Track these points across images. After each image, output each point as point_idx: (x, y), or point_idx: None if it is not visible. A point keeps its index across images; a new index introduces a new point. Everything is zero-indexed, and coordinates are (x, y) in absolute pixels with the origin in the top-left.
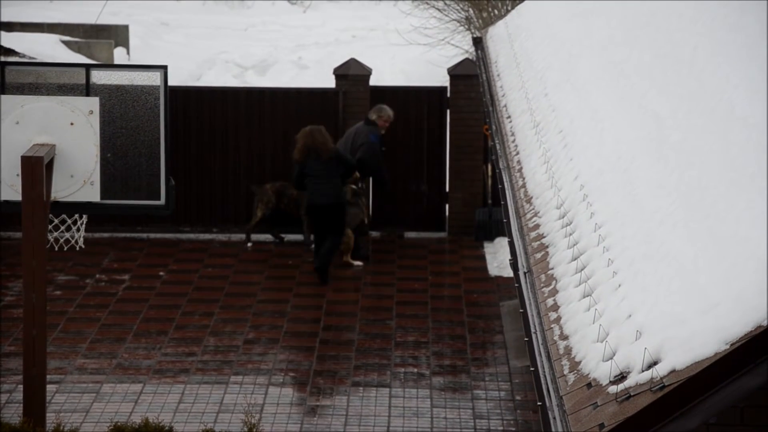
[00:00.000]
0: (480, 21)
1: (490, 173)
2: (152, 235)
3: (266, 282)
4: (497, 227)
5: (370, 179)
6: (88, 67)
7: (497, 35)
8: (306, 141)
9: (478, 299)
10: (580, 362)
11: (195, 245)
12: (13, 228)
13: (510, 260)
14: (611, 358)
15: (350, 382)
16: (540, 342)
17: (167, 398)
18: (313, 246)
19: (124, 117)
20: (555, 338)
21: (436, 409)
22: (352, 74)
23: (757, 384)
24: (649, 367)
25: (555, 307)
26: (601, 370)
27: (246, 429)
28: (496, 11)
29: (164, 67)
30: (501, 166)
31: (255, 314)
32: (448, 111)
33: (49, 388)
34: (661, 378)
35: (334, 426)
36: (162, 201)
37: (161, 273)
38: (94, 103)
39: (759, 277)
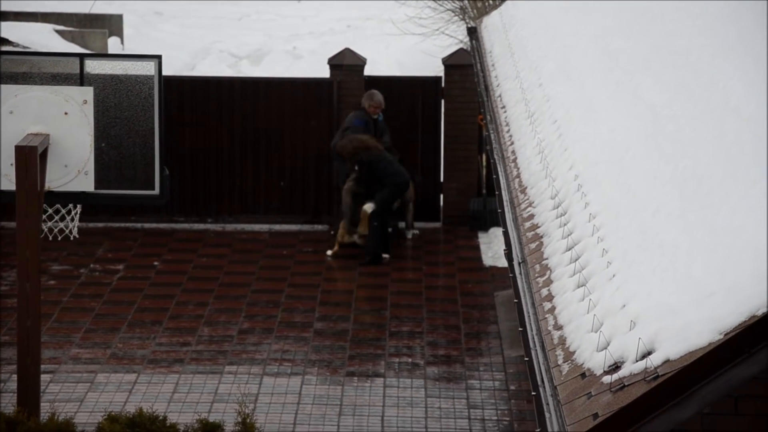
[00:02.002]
0: (475, 11)
1: (484, 163)
2: (146, 225)
3: (260, 272)
4: (492, 217)
5: None
6: (82, 57)
7: (492, 25)
8: (359, 145)
9: (473, 289)
10: (574, 352)
11: (189, 235)
12: (7, 218)
13: (504, 250)
14: (605, 348)
15: (344, 372)
16: (534, 332)
17: (161, 388)
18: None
19: (119, 107)
20: (549, 328)
21: (431, 398)
22: (346, 64)
23: (752, 374)
24: (644, 357)
25: (549, 297)
26: (595, 360)
27: (240, 419)
28: (490, 1)
29: (158, 57)
30: (495, 157)
31: (249, 304)
32: (443, 101)
33: (44, 377)
34: (656, 368)
35: (329, 416)
36: (156, 191)
37: (155, 263)
38: (88, 92)
39: (753, 267)
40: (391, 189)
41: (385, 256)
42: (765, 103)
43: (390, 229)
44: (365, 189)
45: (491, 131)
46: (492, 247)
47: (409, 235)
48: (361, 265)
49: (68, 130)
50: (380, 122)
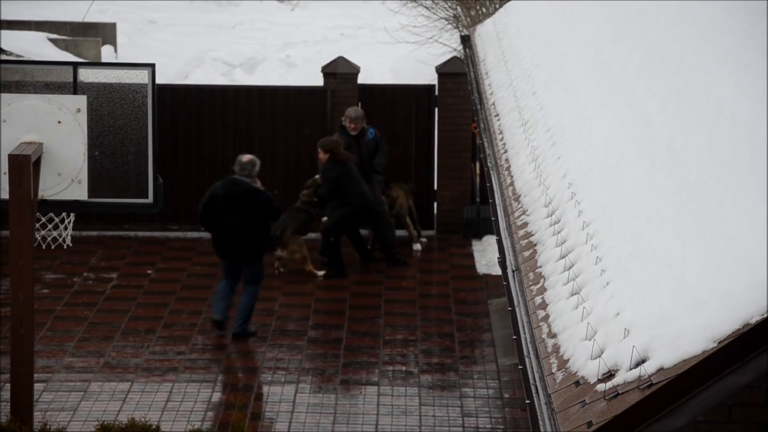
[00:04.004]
0: (468, 19)
1: (478, 171)
2: (140, 234)
3: None
4: (485, 225)
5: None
6: (75, 65)
7: (485, 33)
8: (337, 149)
9: (467, 297)
10: (568, 360)
11: (183, 243)
12: (0, 227)
13: (498, 258)
14: (599, 356)
15: (339, 380)
16: (528, 340)
17: (155, 397)
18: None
19: (112, 115)
20: (543, 336)
21: (425, 407)
22: (340, 72)
23: (745, 382)
24: (637, 365)
25: (543, 305)
26: (589, 368)
27: (234, 428)
28: (484, 9)
29: (152, 66)
30: (489, 164)
31: None
32: (437, 109)
33: (37, 386)
34: (649, 376)
35: (323, 424)
36: (150, 199)
37: (149, 271)
38: (81, 101)
39: (747, 274)
40: (350, 210)
41: (321, 273)
42: (759, 110)
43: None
44: (322, 204)
45: (485, 139)
46: (486, 255)
47: (417, 247)
48: (325, 278)
49: (62, 139)
50: (369, 140)
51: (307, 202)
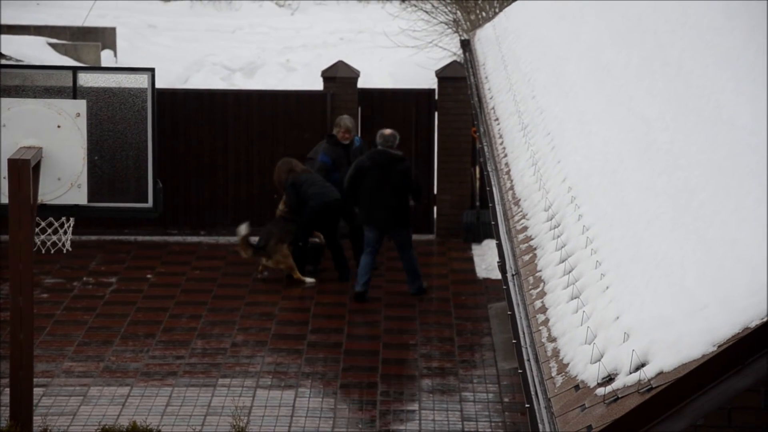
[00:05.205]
0: (468, 23)
1: (478, 175)
2: (140, 238)
3: (254, 284)
4: (485, 229)
5: None
6: (75, 70)
7: (485, 37)
8: (284, 169)
9: (467, 301)
10: (568, 364)
11: (182, 248)
12: (0, 231)
13: (498, 262)
14: (599, 360)
15: (338, 384)
16: (528, 344)
17: (155, 401)
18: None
19: (112, 119)
20: (543, 340)
21: (425, 411)
22: (339, 77)
23: (745, 386)
24: (637, 368)
25: (543, 309)
26: (589, 372)
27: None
28: (483, 13)
29: (152, 70)
30: (489, 169)
31: (243, 317)
32: (436, 113)
33: (36, 391)
34: (649, 380)
35: (322, 428)
36: (149, 204)
37: (149, 276)
38: (81, 105)
39: (746, 279)
40: (311, 210)
41: (310, 280)
42: (758, 114)
43: (320, 244)
44: (293, 212)
45: (485, 143)
46: (485, 259)
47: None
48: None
49: (61, 143)
50: (356, 148)
51: (288, 212)
